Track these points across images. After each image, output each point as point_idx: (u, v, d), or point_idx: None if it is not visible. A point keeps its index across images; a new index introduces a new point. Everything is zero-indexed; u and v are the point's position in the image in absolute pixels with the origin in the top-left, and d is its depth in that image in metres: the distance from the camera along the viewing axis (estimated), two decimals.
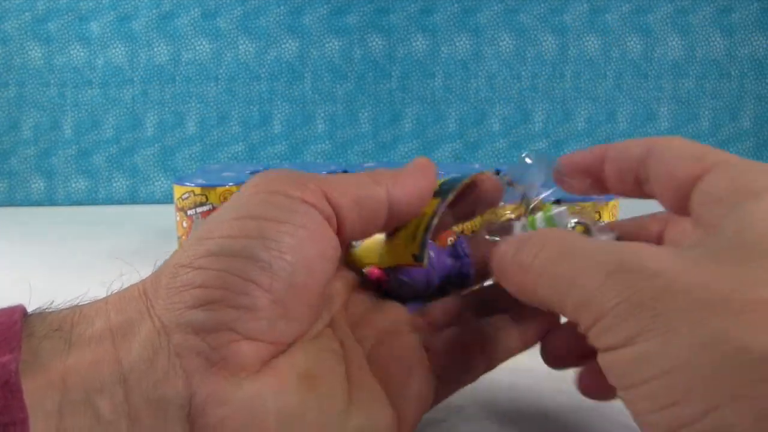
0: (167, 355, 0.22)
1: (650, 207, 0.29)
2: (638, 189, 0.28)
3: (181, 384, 0.22)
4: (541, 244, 0.24)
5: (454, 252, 0.30)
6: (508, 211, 0.30)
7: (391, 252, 0.29)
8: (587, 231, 0.28)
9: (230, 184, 0.57)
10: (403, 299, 0.29)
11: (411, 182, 0.28)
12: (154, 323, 0.22)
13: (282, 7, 0.91)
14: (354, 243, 0.30)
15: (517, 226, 0.29)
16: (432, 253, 0.29)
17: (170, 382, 0.22)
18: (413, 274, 0.29)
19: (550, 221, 0.29)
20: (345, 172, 0.63)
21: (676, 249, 0.22)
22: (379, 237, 0.29)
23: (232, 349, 0.22)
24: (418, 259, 0.27)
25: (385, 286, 0.29)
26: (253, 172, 0.63)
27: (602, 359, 0.21)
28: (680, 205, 0.26)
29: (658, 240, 0.30)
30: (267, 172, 0.26)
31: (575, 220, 0.29)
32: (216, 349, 0.22)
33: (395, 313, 0.29)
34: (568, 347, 0.28)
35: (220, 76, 0.91)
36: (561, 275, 0.23)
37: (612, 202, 0.54)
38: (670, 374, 0.19)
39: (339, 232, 0.26)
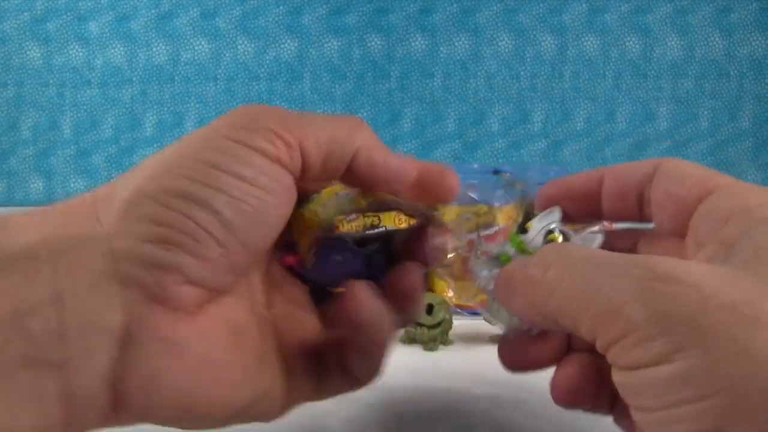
0: (109, 280, 0.21)
1: None
2: (638, 211, 0.27)
3: (119, 312, 0.21)
4: (556, 255, 0.23)
5: (370, 261, 0.30)
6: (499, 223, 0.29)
7: (303, 231, 0.28)
8: (565, 236, 0.27)
9: None
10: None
11: (385, 165, 0.26)
12: (99, 247, 0.22)
13: (281, 7, 0.91)
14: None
15: (485, 271, 0.28)
16: (350, 254, 0.29)
17: (108, 309, 0.21)
18: (318, 274, 0.29)
19: (523, 248, 0.27)
20: None
21: (704, 264, 0.21)
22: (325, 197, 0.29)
23: (175, 289, 0.22)
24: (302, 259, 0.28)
25: (297, 272, 0.29)
26: None
27: (625, 377, 0.20)
28: (679, 224, 0.25)
29: None
30: (244, 108, 0.25)
31: (553, 226, 0.28)
32: (161, 286, 0.22)
33: (303, 292, 0.29)
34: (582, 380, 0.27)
35: (219, 76, 0.91)
36: (579, 286, 0.21)
37: None
38: (716, 396, 0.18)
39: (299, 179, 0.26)
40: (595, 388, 0.26)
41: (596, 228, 0.28)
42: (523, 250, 0.27)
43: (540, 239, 0.28)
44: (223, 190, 0.23)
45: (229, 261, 0.23)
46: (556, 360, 0.28)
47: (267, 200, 0.24)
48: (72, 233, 0.22)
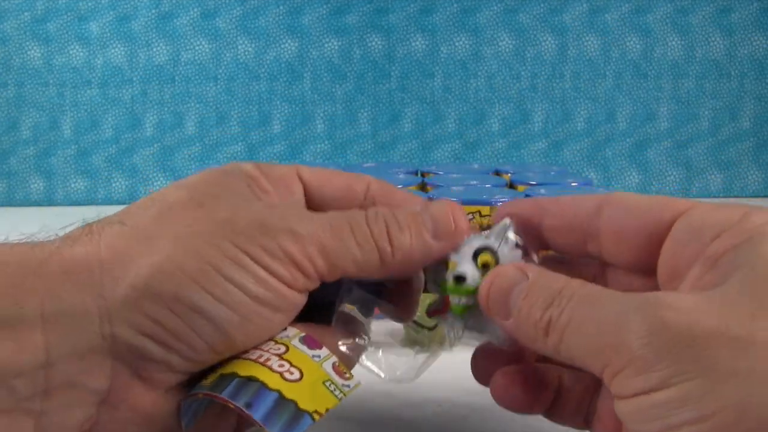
0: (103, 354, 0.23)
1: None
2: (582, 246, 0.27)
3: (105, 379, 0.23)
4: (569, 296, 0.23)
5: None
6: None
7: None
8: (493, 253, 0.27)
9: None
10: None
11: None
12: (100, 328, 0.23)
13: (281, 7, 0.91)
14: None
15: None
16: None
17: (95, 375, 0.23)
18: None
19: (470, 291, 0.27)
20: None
21: (698, 293, 0.21)
22: None
23: (159, 375, 0.24)
24: None
25: None
26: None
27: (627, 406, 0.21)
28: (643, 255, 0.25)
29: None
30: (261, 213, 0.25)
31: (480, 245, 0.27)
32: (148, 371, 0.24)
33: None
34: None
35: (219, 76, 0.91)
36: (586, 324, 0.22)
37: None
38: (715, 417, 0.18)
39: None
40: (531, 394, 0.27)
41: (506, 221, 0.28)
42: (470, 292, 0.27)
43: (477, 272, 0.27)
44: (230, 305, 0.24)
45: (217, 357, 0.25)
46: None
47: (273, 319, 0.25)
48: (71, 306, 0.23)
